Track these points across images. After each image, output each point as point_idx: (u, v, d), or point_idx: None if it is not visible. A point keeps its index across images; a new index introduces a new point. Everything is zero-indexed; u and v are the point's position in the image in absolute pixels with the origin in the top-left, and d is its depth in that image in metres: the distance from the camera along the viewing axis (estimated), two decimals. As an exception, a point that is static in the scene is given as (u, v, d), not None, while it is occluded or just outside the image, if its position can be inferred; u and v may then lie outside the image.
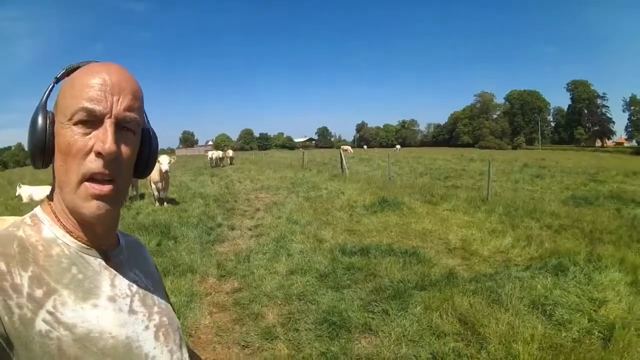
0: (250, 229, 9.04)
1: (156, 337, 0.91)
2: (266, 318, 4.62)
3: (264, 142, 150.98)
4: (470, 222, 8.77)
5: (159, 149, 1.02)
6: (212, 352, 4.02)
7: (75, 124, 0.80)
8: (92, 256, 0.87)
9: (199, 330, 4.46)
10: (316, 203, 11.83)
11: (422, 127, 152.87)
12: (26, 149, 0.86)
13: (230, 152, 39.05)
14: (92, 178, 0.80)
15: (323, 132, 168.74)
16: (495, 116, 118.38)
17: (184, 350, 1.01)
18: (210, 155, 34.76)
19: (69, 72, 0.86)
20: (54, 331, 0.74)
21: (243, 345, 4.10)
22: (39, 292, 0.75)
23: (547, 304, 4.50)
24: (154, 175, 11.78)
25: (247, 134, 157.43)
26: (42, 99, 0.84)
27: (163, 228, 8.56)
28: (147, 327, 0.90)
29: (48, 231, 0.84)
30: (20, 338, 0.72)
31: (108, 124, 0.80)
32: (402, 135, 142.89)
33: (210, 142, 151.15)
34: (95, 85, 0.81)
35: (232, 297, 5.25)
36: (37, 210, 0.89)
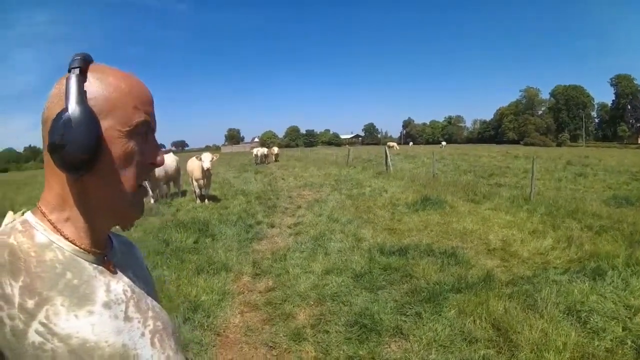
0: (289, 227, 9.01)
1: (152, 344, 0.87)
2: (297, 319, 4.56)
3: (310, 139, 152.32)
4: (511, 222, 8.47)
5: None
6: (239, 352, 4.00)
7: (135, 134, 0.83)
8: (87, 260, 0.83)
9: (227, 329, 4.44)
10: (358, 201, 11.72)
11: (468, 123, 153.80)
12: (52, 148, 0.76)
13: (275, 149, 39.42)
14: (140, 185, 0.86)
15: (369, 129, 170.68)
16: (540, 112, 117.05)
17: (180, 355, 0.97)
18: (255, 152, 35.10)
19: (87, 65, 0.80)
20: (47, 343, 0.71)
21: (270, 346, 4.05)
22: (30, 303, 0.72)
23: (583, 311, 4.28)
24: (196, 172, 12.04)
25: (293, 131, 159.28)
26: (77, 94, 0.76)
27: (201, 225, 8.62)
28: (143, 334, 0.86)
29: (41, 236, 0.80)
30: (13, 350, 0.68)
31: (154, 137, 0.88)
32: (448, 132, 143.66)
33: (256, 139, 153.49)
34: (150, 101, 0.87)
35: (265, 297, 5.21)
36: (28, 215, 0.84)
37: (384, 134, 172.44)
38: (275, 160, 36.96)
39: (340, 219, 9.09)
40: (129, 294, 0.88)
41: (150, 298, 0.96)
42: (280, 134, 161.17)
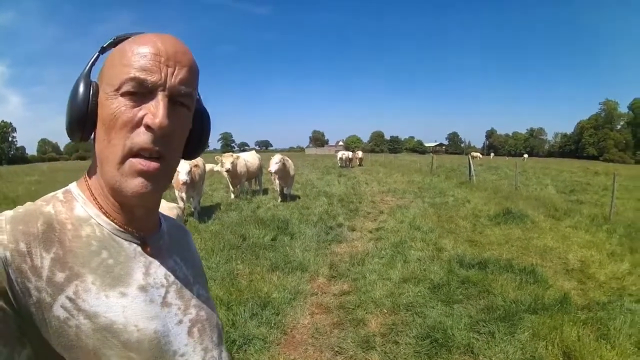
0: (370, 232, 8.86)
1: (190, 333, 0.84)
2: (368, 326, 4.38)
3: (395, 145, 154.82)
4: (591, 241, 7.92)
5: (211, 131, 0.94)
6: (303, 354, 3.89)
7: (123, 94, 0.73)
8: (127, 240, 0.81)
9: (295, 329, 4.36)
10: (441, 210, 11.41)
11: (550, 136, 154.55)
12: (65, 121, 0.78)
13: (359, 154, 39.55)
14: (138, 154, 0.73)
15: (453, 138, 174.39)
16: (619, 126, 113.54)
17: (222, 349, 0.92)
18: (339, 156, 35.20)
19: (116, 42, 0.79)
20: (72, 319, 0.69)
21: (336, 351, 3.90)
22: (60, 276, 0.69)
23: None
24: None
25: (377, 136, 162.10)
26: (85, 69, 0.77)
27: (281, 223, 8.65)
28: (180, 322, 0.83)
29: (81, 209, 0.78)
30: (37, 321, 0.67)
31: (161, 96, 0.73)
32: (529, 144, 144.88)
33: (340, 143, 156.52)
34: (149, 54, 0.74)
35: (338, 300, 5.08)
36: (72, 186, 0.83)
37: (467, 143, 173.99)
38: (359, 165, 37.05)
39: (422, 227, 8.83)
40: (171, 279, 0.85)
41: (197, 286, 0.92)
42: (365, 138, 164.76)
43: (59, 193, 0.81)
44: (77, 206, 0.78)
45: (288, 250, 6.91)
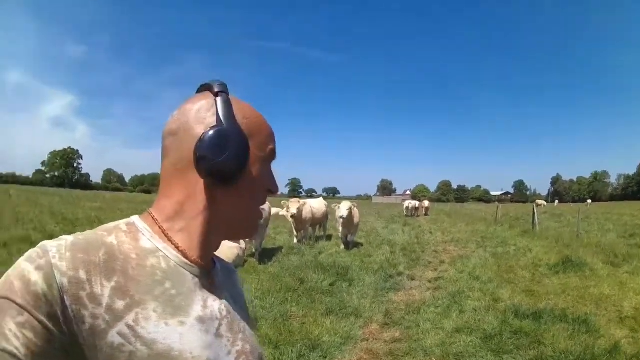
0: (429, 281, 8.78)
1: None
2: None
3: (461, 194, 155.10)
4: None
5: None
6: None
7: (266, 160, 0.92)
8: (191, 273, 0.84)
9: None
10: (501, 260, 11.16)
11: (613, 178, 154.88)
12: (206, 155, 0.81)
13: (426, 203, 39.18)
14: None
15: (519, 186, 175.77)
16: None
17: None
18: (406, 205, 35.12)
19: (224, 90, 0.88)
20: (128, 345, 0.70)
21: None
22: (120, 304, 0.72)
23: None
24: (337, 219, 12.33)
25: (445, 185, 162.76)
26: (229, 114, 0.85)
27: (341, 270, 8.71)
28: (229, 352, 0.85)
29: (147, 242, 0.82)
30: (87, 347, 0.68)
31: (271, 169, 0.96)
32: (593, 189, 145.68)
33: (407, 192, 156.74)
34: (273, 135, 0.95)
35: (389, 347, 5.06)
36: (135, 219, 0.87)
37: (532, 191, 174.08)
38: (425, 214, 36.63)
39: (481, 277, 8.68)
40: (224, 313, 0.88)
41: (243, 322, 0.95)
42: (432, 187, 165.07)
43: (122, 224, 0.84)
44: (143, 239, 0.82)
45: (345, 296, 6.94)
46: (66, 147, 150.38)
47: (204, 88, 0.90)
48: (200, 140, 0.81)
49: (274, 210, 13.67)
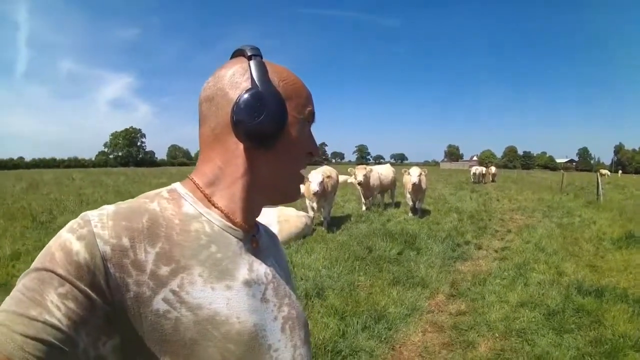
0: (496, 251, 8.75)
1: (282, 330, 0.87)
2: (477, 349, 4.40)
3: (527, 161, 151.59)
4: None
5: None
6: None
7: (305, 122, 0.91)
8: (236, 237, 0.85)
9: (404, 345, 4.45)
10: (567, 231, 10.93)
11: None
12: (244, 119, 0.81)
13: (493, 169, 38.16)
14: None
15: (583, 154, 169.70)
16: None
17: (308, 347, 0.96)
18: (473, 171, 34.43)
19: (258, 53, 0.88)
20: (173, 311, 0.71)
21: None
22: (164, 270, 0.72)
23: None
24: (407, 185, 12.37)
25: (511, 151, 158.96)
26: (265, 77, 0.84)
27: (409, 237, 8.81)
28: (275, 318, 0.87)
29: (190, 207, 0.82)
30: (131, 315, 0.69)
31: (311, 131, 0.95)
32: None
33: (474, 157, 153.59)
34: (311, 96, 0.93)
35: (453, 320, 5.13)
36: (177, 186, 0.87)
37: (596, 159, 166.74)
38: (492, 181, 35.76)
39: (547, 249, 8.58)
40: (270, 277, 0.89)
41: (289, 286, 0.96)
42: (498, 153, 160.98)
43: (164, 191, 0.84)
44: (186, 204, 0.82)
45: (412, 265, 7.03)
46: (128, 127, 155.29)
47: (238, 53, 0.90)
48: (236, 103, 0.81)
49: (342, 178, 13.72)
